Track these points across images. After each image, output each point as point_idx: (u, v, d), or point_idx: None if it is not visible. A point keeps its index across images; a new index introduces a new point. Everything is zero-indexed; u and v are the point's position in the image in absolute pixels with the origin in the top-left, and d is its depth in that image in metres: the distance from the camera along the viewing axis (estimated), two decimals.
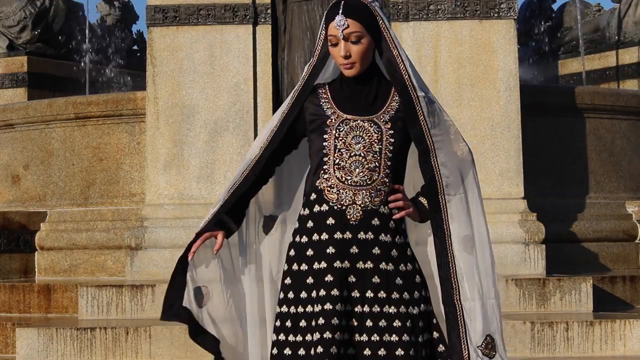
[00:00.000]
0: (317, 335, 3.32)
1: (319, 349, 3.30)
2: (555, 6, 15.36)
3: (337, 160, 3.41)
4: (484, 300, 3.47)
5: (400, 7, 7.99)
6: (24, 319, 7.48)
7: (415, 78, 3.47)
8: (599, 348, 6.43)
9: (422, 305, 3.42)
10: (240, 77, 7.97)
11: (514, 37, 7.96)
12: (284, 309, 3.42)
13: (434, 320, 3.45)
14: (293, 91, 3.57)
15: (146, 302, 7.02)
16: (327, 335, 3.31)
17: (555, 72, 14.46)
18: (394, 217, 3.43)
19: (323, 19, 3.51)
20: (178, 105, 7.96)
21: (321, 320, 3.33)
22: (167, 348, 6.46)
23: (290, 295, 3.42)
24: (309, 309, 3.38)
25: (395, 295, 3.38)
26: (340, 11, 3.42)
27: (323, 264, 3.38)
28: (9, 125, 9.23)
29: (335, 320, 3.33)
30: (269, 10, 8.05)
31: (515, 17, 7.99)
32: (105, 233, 8.46)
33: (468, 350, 3.44)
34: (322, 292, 3.36)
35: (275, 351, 3.41)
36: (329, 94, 3.51)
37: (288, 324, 3.40)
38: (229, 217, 3.50)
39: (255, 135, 7.89)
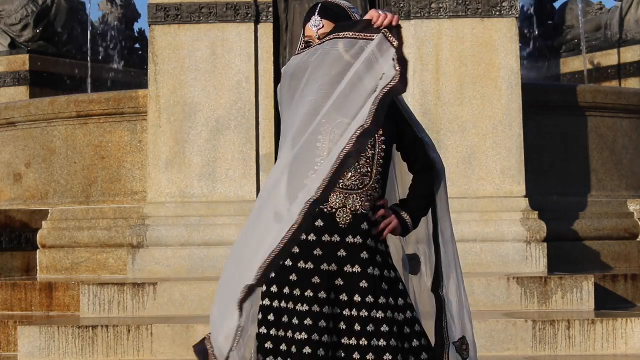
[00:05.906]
0: (304, 336, 3.34)
1: (307, 350, 3.32)
2: (557, 4, 15.34)
3: None
4: (462, 304, 3.56)
5: (402, 5, 7.99)
6: (25, 317, 7.48)
7: None
8: (601, 346, 6.42)
9: (407, 312, 3.44)
10: (242, 76, 7.97)
11: (516, 35, 7.96)
12: (267, 302, 3.43)
13: (417, 328, 3.46)
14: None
15: (148, 300, 7.03)
16: (315, 337, 3.34)
17: (557, 70, 14.44)
18: (373, 233, 3.43)
19: (302, 22, 3.54)
20: (180, 103, 7.96)
21: (308, 321, 3.35)
22: (169, 346, 6.46)
23: (274, 289, 3.43)
24: (290, 305, 3.39)
25: (382, 300, 3.39)
26: (317, 12, 3.46)
27: (310, 265, 3.40)
28: (11, 124, 9.23)
29: (322, 323, 3.35)
30: (270, 9, 8.05)
31: (517, 16, 7.99)
32: (107, 231, 8.46)
33: (449, 340, 3.52)
34: (309, 293, 3.38)
35: (256, 343, 3.43)
36: None
37: (270, 317, 3.42)
38: None
39: (257, 133, 7.89)
